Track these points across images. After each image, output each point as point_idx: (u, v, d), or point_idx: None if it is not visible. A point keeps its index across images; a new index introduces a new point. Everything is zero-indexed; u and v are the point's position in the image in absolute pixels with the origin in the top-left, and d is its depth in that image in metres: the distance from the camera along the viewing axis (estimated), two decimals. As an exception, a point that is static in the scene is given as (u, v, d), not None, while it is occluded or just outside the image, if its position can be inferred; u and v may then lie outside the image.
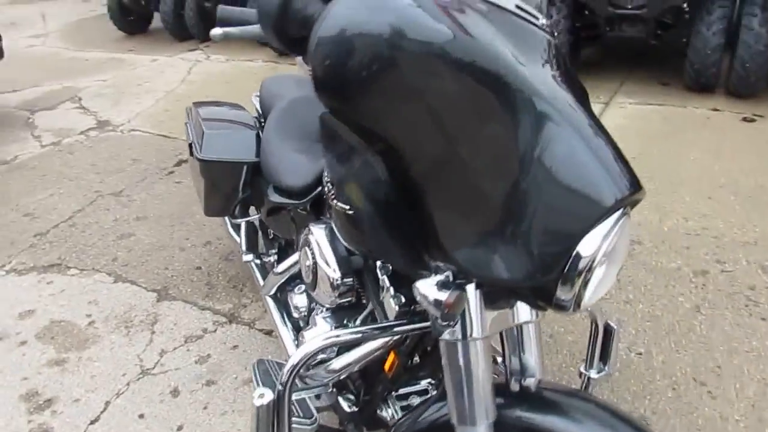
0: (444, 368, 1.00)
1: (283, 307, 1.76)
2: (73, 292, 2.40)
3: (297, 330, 1.70)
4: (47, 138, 3.95)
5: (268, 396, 1.09)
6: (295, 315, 1.69)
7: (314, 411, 1.39)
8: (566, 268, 0.86)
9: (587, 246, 0.85)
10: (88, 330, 2.19)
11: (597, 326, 1.37)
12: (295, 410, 1.39)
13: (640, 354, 1.94)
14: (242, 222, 2.00)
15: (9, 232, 2.84)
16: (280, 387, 1.10)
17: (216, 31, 1.25)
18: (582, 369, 1.41)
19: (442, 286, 0.91)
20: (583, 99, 0.90)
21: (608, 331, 1.37)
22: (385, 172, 0.89)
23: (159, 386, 1.92)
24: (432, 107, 0.81)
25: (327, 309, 1.45)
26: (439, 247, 0.88)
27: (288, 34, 0.92)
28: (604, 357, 1.40)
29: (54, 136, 3.98)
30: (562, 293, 0.89)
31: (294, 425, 1.33)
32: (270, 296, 1.79)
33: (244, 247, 1.92)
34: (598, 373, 1.40)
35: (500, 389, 1.09)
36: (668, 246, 2.47)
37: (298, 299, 1.66)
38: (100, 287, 2.42)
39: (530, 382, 1.08)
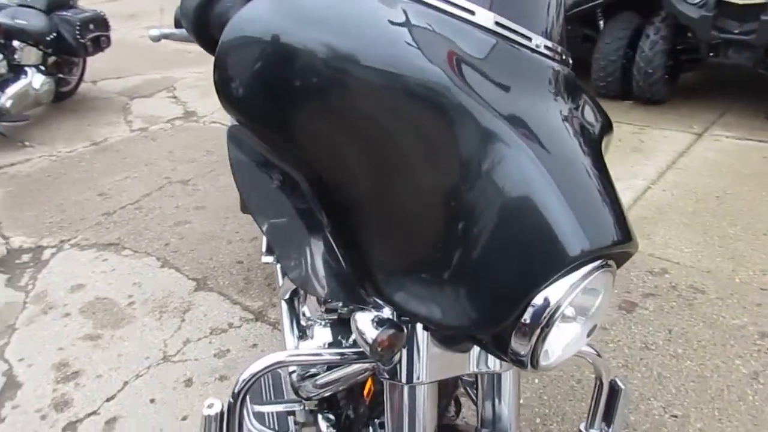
0: (385, 410, 0.93)
1: (294, 313, 1.74)
2: (122, 272, 2.51)
3: (301, 338, 1.67)
4: (137, 123, 4.20)
5: (217, 407, 1.07)
6: (303, 323, 1.66)
7: (292, 427, 1.36)
8: (522, 318, 0.77)
9: (548, 297, 0.75)
10: (126, 310, 2.28)
11: (602, 383, 1.25)
12: (270, 423, 1.36)
13: (676, 417, 1.75)
14: None
15: (82, 209, 3.03)
16: (230, 400, 1.07)
17: (153, 32, 1.24)
18: (582, 428, 1.29)
19: (380, 323, 0.84)
20: (586, 134, 0.80)
21: (614, 390, 1.25)
22: (308, 192, 0.82)
23: (175, 374, 1.96)
24: (361, 132, 0.71)
25: (326, 322, 1.41)
26: (372, 283, 0.81)
27: (210, 37, 0.84)
28: (608, 418, 1.27)
29: (143, 122, 4.22)
30: (517, 346, 0.80)
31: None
32: (285, 300, 1.77)
33: (264, 249, 1.92)
34: (601, 435, 1.28)
35: None
36: (736, 300, 2.22)
37: (306, 308, 1.64)
38: (147, 270, 2.52)
39: None
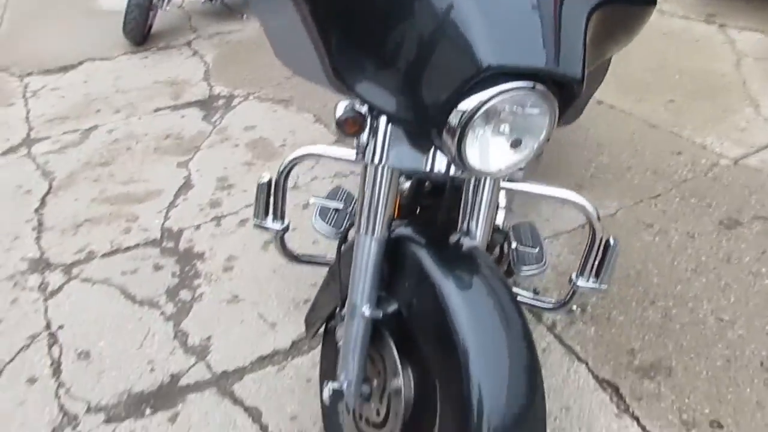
0: (358, 193, 1.19)
1: None
2: (285, 122, 3.02)
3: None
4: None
5: (266, 178, 1.45)
6: None
7: (346, 224, 1.68)
8: (448, 118, 0.99)
9: (467, 103, 0.96)
10: (278, 149, 2.79)
11: (594, 238, 1.38)
12: (330, 220, 1.69)
13: (722, 320, 1.76)
14: None
15: (270, 72, 3.57)
16: (276, 176, 1.45)
17: None
18: (573, 276, 1.44)
19: (349, 108, 1.11)
20: None
21: (607, 247, 1.38)
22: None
23: (299, 198, 2.40)
24: None
25: None
26: (345, 77, 1.06)
27: None
28: (599, 271, 1.41)
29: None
30: (445, 143, 1.02)
31: (319, 229, 1.65)
32: None
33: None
34: (588, 284, 1.42)
35: (439, 233, 1.22)
36: None
37: None
38: (303, 123, 2.99)
39: (465, 243, 1.20)
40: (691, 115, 2.77)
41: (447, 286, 1.07)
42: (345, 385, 1.21)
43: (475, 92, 0.95)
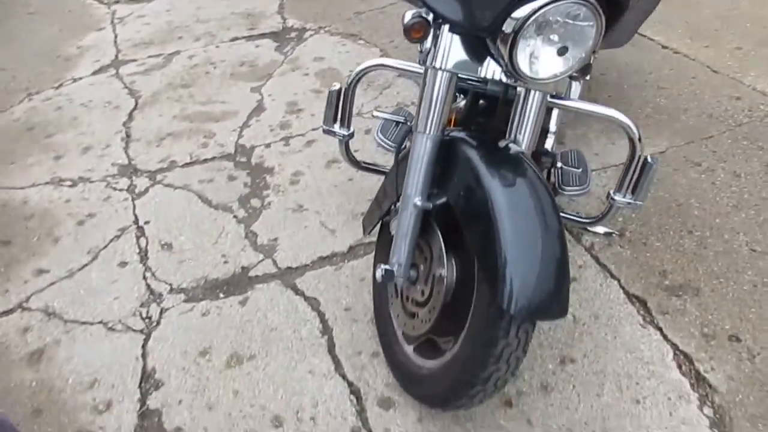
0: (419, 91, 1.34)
1: None
2: (352, 54, 3.16)
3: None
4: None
5: (337, 86, 1.61)
6: None
7: (406, 143, 1.83)
8: (502, 27, 1.13)
9: (521, 12, 1.09)
10: (345, 79, 2.94)
11: (633, 155, 1.48)
12: (392, 135, 1.84)
13: (754, 251, 1.84)
14: None
15: (341, 8, 3.71)
16: (345, 86, 1.60)
17: None
18: (611, 191, 1.55)
19: (416, 15, 1.25)
20: None
21: (645, 165, 1.48)
22: None
23: (361, 124, 2.56)
24: None
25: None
26: None
27: None
28: (636, 188, 1.51)
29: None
30: (498, 49, 1.16)
31: (380, 141, 1.80)
32: None
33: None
34: (625, 199, 1.53)
35: (489, 139, 1.35)
36: None
37: None
38: (370, 56, 3.12)
39: (513, 148, 1.33)
40: (755, 63, 2.75)
41: (491, 181, 1.22)
42: (396, 267, 1.39)
43: (529, 1, 1.07)
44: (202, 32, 3.51)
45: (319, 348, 1.70)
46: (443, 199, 1.35)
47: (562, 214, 1.73)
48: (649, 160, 1.48)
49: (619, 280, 1.79)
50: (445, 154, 1.34)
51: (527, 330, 1.22)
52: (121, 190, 2.37)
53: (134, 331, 1.80)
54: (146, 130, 2.71)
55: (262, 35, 3.44)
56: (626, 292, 1.76)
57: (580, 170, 1.74)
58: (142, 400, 1.61)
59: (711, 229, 1.92)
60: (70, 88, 3.10)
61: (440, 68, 1.28)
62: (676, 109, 2.49)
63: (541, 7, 1.08)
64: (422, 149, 1.33)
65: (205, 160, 2.50)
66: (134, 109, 2.87)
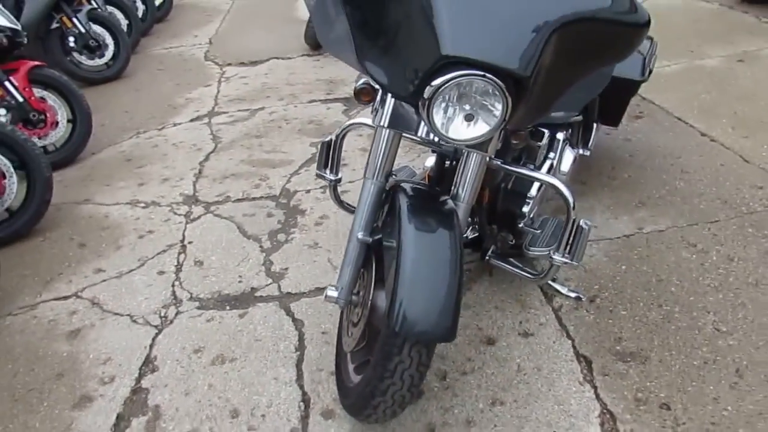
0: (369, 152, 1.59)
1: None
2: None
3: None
4: None
5: (327, 138, 1.91)
6: None
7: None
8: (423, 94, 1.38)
9: (435, 81, 1.33)
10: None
11: (569, 219, 1.64)
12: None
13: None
14: None
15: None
16: (334, 138, 1.89)
17: None
18: (551, 251, 1.70)
19: (364, 83, 1.53)
20: None
21: (578, 228, 1.63)
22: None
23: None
24: None
25: None
26: (360, 57, 1.47)
27: None
28: (572, 249, 1.66)
29: None
30: (421, 112, 1.40)
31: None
32: None
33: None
34: (562, 259, 1.67)
35: (429, 192, 1.58)
36: None
37: None
38: (421, 123, 3.43)
39: (448, 203, 1.54)
40: (794, 157, 2.71)
41: (408, 225, 1.44)
42: (339, 290, 1.62)
43: (442, 74, 1.31)
44: (287, 93, 4.02)
45: (289, 360, 1.94)
46: (379, 236, 1.58)
47: (511, 269, 1.89)
48: (582, 224, 1.62)
49: (573, 340, 1.88)
50: (392, 198, 1.58)
51: (420, 351, 1.39)
52: (180, 214, 2.81)
53: (151, 325, 2.15)
54: (215, 169, 3.17)
55: (336, 99, 3.88)
56: (576, 352, 1.84)
57: (549, 235, 1.90)
58: (138, 380, 1.93)
59: (681, 306, 1.95)
60: (170, 130, 3.69)
61: (383, 126, 1.53)
62: (691, 193, 2.52)
63: (449, 79, 1.30)
64: (368, 192, 1.58)
65: (254, 198, 2.88)
66: (212, 151, 3.37)
